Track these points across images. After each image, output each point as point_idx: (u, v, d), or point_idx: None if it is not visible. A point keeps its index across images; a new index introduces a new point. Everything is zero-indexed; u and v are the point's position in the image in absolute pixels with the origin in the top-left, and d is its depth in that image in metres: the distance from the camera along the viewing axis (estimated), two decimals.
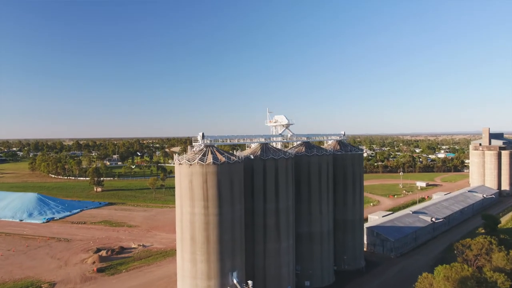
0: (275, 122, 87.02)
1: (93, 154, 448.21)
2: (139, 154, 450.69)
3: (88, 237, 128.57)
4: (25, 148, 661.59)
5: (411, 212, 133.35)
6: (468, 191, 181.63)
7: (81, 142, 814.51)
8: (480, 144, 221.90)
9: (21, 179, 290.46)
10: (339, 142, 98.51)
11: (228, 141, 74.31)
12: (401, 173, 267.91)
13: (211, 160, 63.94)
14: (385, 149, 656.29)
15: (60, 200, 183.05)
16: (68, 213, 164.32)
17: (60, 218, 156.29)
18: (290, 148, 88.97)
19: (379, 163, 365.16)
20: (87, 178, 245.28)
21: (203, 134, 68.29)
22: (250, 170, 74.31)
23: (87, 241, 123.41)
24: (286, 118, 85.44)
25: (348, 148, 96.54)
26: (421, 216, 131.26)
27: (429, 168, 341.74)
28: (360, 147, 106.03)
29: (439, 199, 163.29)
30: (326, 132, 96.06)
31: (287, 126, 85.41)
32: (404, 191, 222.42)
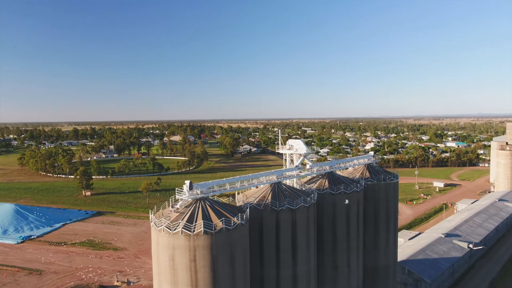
0: (289, 148, 66.06)
1: (88, 145, 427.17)
2: (136, 146, 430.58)
3: (65, 267, 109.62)
4: (21, 136, 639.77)
5: (443, 236, 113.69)
6: (499, 200, 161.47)
7: (79, 128, 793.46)
8: (507, 143, 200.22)
9: (8, 177, 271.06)
10: (368, 167, 77.78)
11: (228, 188, 53.22)
12: (416, 172, 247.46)
13: (202, 228, 43.52)
14: (391, 135, 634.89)
15: (41, 211, 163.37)
16: (49, 229, 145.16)
17: (38, 236, 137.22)
18: (309, 181, 68.44)
19: (389, 156, 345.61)
20: (77, 177, 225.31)
21: (190, 183, 47.60)
22: (258, 223, 54.07)
23: (63, 274, 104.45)
24: (304, 144, 64.42)
25: (381, 176, 75.65)
26: (456, 241, 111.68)
27: (442, 162, 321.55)
28: (393, 173, 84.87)
29: (468, 212, 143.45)
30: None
31: (305, 155, 64.49)
32: (422, 194, 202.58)
